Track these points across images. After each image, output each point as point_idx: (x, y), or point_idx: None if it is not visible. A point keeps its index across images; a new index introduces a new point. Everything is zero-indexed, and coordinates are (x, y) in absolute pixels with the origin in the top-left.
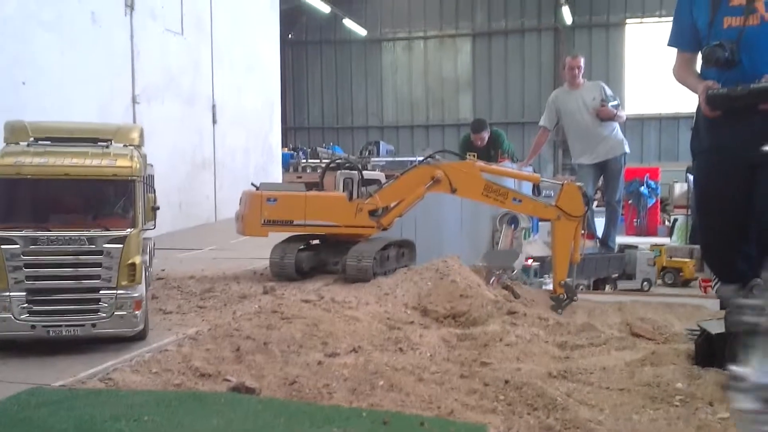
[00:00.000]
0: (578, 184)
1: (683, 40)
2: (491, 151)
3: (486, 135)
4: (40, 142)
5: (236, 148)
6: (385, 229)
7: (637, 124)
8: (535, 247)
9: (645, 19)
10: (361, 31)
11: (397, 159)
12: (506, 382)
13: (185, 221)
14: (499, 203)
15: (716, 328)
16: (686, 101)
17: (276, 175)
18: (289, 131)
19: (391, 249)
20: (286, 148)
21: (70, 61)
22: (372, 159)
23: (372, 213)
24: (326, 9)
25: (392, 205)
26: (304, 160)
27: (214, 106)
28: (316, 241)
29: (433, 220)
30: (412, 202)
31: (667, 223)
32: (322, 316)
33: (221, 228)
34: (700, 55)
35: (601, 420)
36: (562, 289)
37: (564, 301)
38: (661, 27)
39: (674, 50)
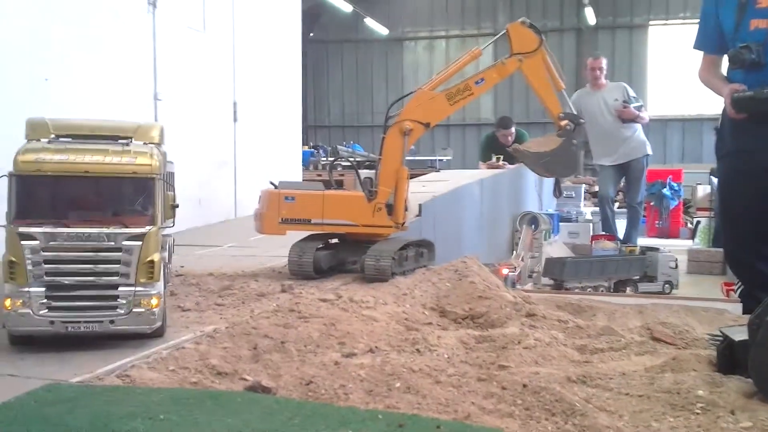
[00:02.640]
0: (519, 20)
1: (709, 42)
2: None
3: (514, 131)
4: (60, 139)
5: (256, 146)
6: (401, 225)
7: (660, 126)
8: (555, 247)
9: (669, 21)
10: (383, 30)
11: (417, 158)
12: (524, 386)
13: (205, 218)
14: (469, 98)
15: (739, 335)
16: (710, 103)
17: (296, 173)
18: (310, 129)
19: (410, 249)
20: (307, 146)
21: (93, 59)
22: None
23: (390, 212)
24: (348, 8)
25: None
26: (324, 159)
27: (234, 104)
28: (335, 240)
29: (452, 221)
30: (405, 183)
31: (689, 225)
32: (340, 315)
33: (240, 225)
34: (726, 58)
35: (620, 427)
36: (565, 122)
37: (573, 130)
38: (685, 29)
39: (700, 53)
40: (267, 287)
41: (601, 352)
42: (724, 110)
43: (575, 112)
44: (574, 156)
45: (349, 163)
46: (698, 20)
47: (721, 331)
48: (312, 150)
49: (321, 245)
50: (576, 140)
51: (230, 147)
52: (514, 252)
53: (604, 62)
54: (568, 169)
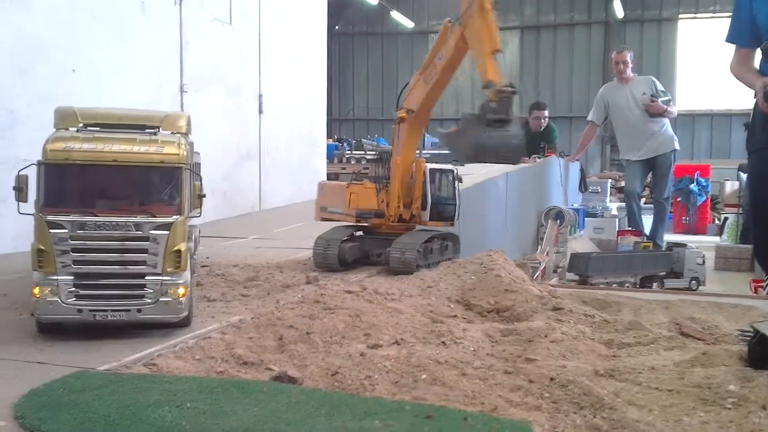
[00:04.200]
0: None
1: (742, 35)
2: (541, 143)
3: (546, 114)
4: (89, 128)
5: (281, 139)
6: (409, 220)
7: (689, 121)
8: (580, 243)
9: (698, 15)
10: (408, 23)
11: (442, 151)
12: (551, 379)
13: (230, 210)
14: (437, 77)
15: None
16: (739, 98)
17: (320, 166)
18: (334, 122)
19: (434, 241)
20: (331, 139)
21: (119, 51)
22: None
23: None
24: (374, 1)
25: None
26: (349, 152)
27: (260, 96)
28: (360, 233)
29: (477, 215)
30: (397, 175)
31: (717, 221)
32: (365, 307)
33: (265, 217)
34: (758, 51)
35: (650, 421)
36: (493, 94)
37: (496, 106)
38: (715, 22)
39: (731, 46)
40: (292, 278)
41: (629, 347)
42: (756, 104)
43: (508, 80)
44: (470, 138)
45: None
46: (729, 13)
47: (752, 327)
48: (336, 143)
49: (346, 237)
50: (494, 116)
51: (255, 139)
52: (539, 247)
53: (628, 56)
54: (463, 152)
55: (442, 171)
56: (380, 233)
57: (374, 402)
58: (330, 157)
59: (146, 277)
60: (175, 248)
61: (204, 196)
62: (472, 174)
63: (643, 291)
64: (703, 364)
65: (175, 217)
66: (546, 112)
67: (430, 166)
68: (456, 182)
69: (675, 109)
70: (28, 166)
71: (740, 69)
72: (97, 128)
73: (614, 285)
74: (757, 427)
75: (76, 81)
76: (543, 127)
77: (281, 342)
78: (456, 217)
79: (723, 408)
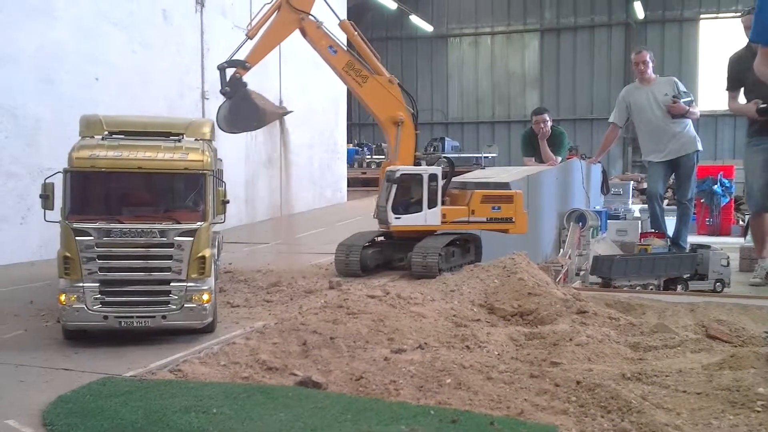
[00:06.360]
0: None
1: (767, 34)
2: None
3: (547, 119)
4: (114, 135)
5: (302, 145)
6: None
7: (711, 121)
8: (603, 245)
9: (720, 14)
10: (428, 28)
11: (462, 155)
12: (578, 383)
13: (251, 216)
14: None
15: None
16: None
17: (341, 171)
18: (354, 127)
19: (456, 244)
20: (352, 144)
21: (142, 58)
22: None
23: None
24: (393, 5)
25: None
26: (369, 156)
27: (281, 103)
28: (381, 238)
29: None
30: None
31: (741, 222)
32: (388, 311)
33: (287, 223)
34: None
35: (678, 425)
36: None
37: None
38: (737, 22)
39: (755, 45)
40: (314, 284)
41: (655, 350)
42: None
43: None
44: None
45: None
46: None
47: None
48: (357, 148)
49: (367, 243)
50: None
51: (276, 145)
52: (562, 250)
53: (647, 56)
54: None
55: (391, 171)
56: (400, 238)
57: (399, 407)
58: (350, 162)
59: (171, 284)
60: (200, 254)
61: (228, 202)
62: (493, 177)
63: (668, 293)
64: (731, 366)
65: (199, 223)
66: (545, 116)
67: (389, 168)
68: (390, 183)
69: (697, 110)
70: (54, 174)
71: (767, 68)
72: (122, 136)
73: (638, 287)
74: None
75: (100, 89)
76: (546, 132)
77: (305, 347)
78: (389, 221)
79: (753, 411)
